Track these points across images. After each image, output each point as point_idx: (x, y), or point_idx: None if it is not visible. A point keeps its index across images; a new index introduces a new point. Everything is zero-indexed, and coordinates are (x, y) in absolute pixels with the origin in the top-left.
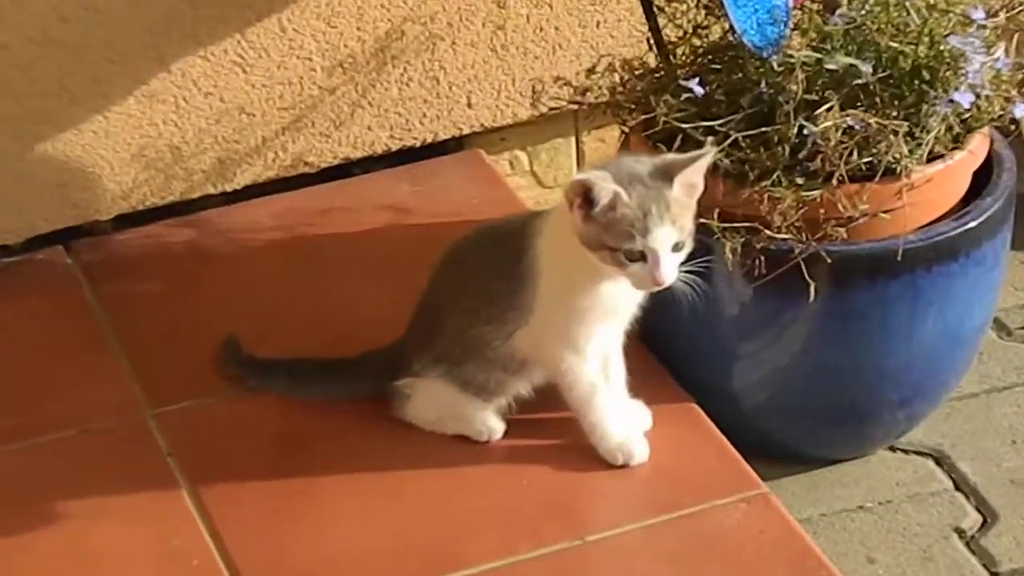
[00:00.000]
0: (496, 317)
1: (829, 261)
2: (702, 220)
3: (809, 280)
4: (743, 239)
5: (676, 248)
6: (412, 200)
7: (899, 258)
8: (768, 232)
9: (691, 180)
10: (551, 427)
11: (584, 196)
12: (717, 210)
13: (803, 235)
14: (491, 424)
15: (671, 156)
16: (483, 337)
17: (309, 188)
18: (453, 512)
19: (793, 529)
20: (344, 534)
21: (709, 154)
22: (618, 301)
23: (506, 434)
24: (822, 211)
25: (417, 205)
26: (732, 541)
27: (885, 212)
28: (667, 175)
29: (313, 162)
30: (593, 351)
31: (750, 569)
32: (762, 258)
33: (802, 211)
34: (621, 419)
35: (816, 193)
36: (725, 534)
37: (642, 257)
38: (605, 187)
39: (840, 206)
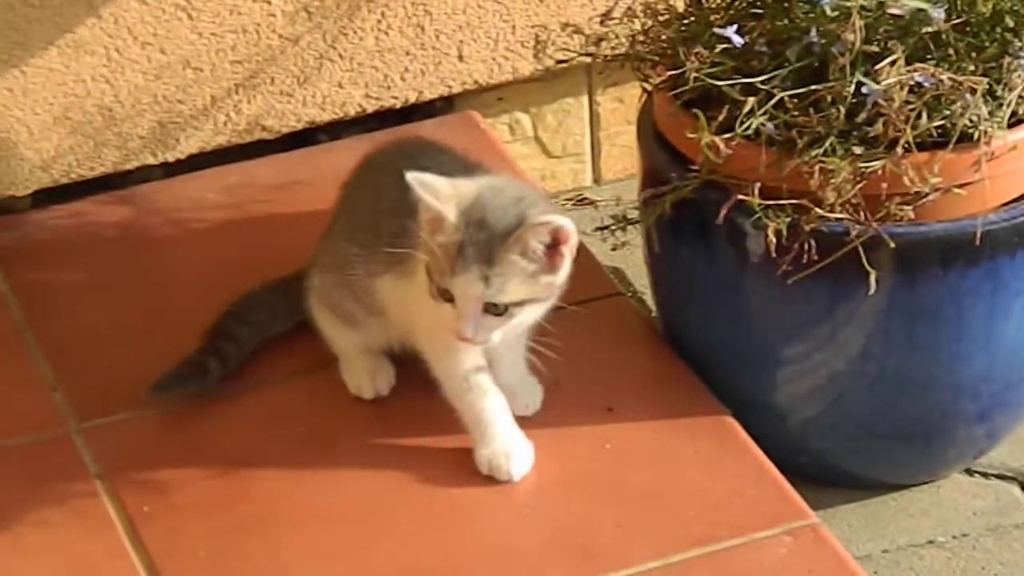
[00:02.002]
0: (368, 247)
1: (893, 246)
2: (741, 197)
3: (868, 269)
4: (789, 219)
5: (492, 311)
6: None
7: (977, 242)
8: (819, 211)
9: (535, 249)
10: (553, 446)
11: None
12: (758, 184)
13: (861, 214)
14: (365, 383)
15: (536, 211)
16: (348, 258)
17: (267, 158)
18: (440, 550)
19: (849, 568)
20: None
21: (563, 227)
22: None
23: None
24: (884, 185)
25: None
26: None
27: (960, 187)
28: (511, 231)
29: (272, 126)
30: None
31: None
32: (812, 242)
33: (860, 185)
34: (501, 423)
35: (877, 164)
36: (764, 573)
37: (452, 299)
38: (434, 205)
39: (906, 179)
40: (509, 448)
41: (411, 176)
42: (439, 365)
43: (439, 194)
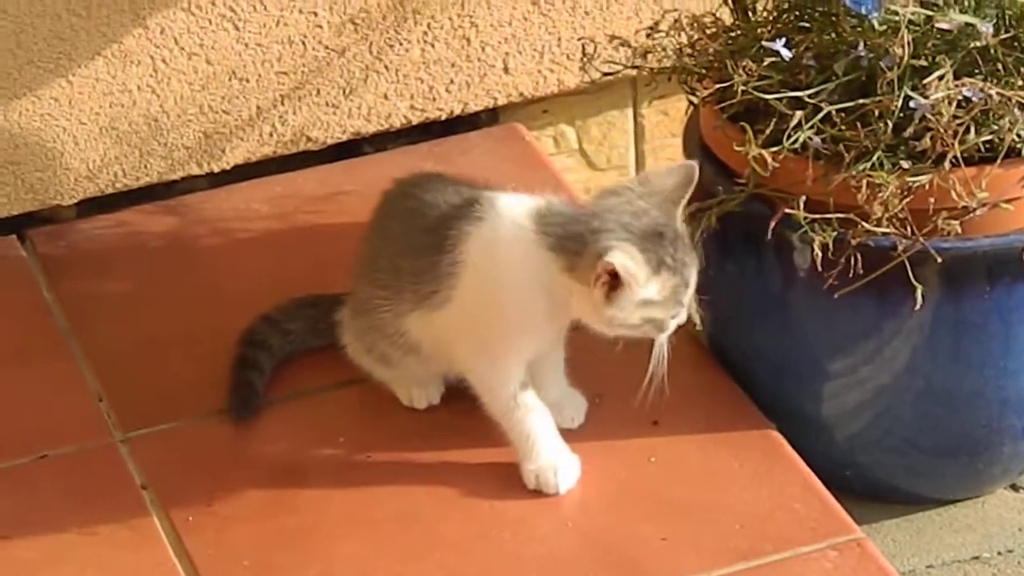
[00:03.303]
0: (390, 288)
1: (939, 260)
2: (788, 211)
3: (915, 283)
4: (836, 233)
5: None
6: None
7: None
8: (866, 225)
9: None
10: (598, 460)
11: (613, 278)
12: (804, 198)
13: (908, 229)
14: (416, 392)
15: (656, 181)
16: (374, 302)
17: (311, 169)
18: (483, 562)
19: None
20: None
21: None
22: (559, 326)
23: None
24: (932, 200)
25: None
26: None
27: (1008, 201)
28: (668, 211)
29: (317, 137)
30: (516, 365)
31: None
32: (858, 256)
33: (907, 200)
34: (548, 438)
35: (924, 178)
36: None
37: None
38: (647, 284)
39: (954, 194)
40: (556, 462)
41: (617, 259)
42: (484, 386)
43: (640, 264)
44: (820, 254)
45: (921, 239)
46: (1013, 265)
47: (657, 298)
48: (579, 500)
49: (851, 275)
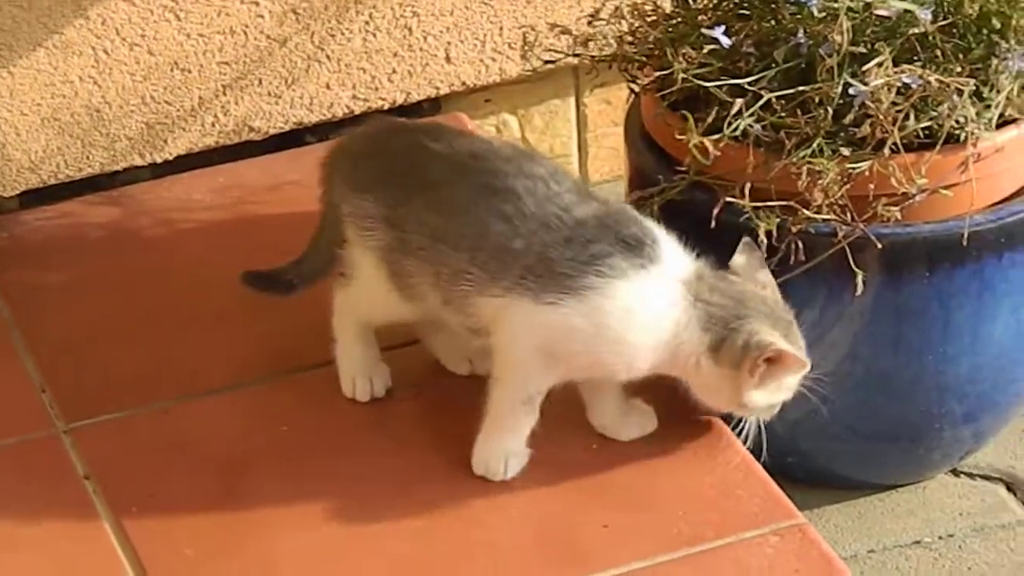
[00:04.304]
0: (490, 271)
1: (880, 246)
2: (730, 198)
3: (856, 269)
4: (778, 220)
5: None
6: None
7: (964, 243)
8: (807, 212)
9: None
10: (541, 445)
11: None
12: (747, 185)
13: (849, 215)
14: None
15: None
16: (455, 271)
17: (254, 159)
18: (427, 550)
19: (835, 568)
20: None
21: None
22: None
23: None
24: (871, 186)
25: None
26: None
27: (947, 188)
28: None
29: (260, 127)
30: (562, 378)
31: None
32: (799, 243)
33: (847, 186)
34: (521, 436)
35: (864, 165)
36: (753, 574)
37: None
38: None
39: (893, 180)
40: (509, 453)
41: (785, 347)
42: (512, 375)
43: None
44: (765, 241)
45: (861, 225)
46: (953, 251)
47: (795, 381)
48: (523, 488)
49: (792, 262)
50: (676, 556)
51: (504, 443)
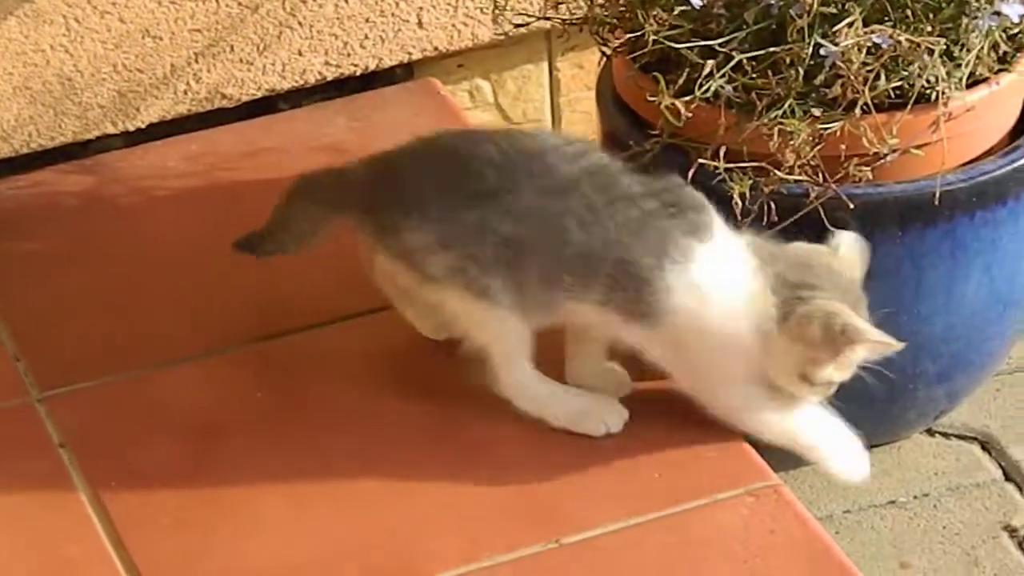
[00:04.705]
0: (580, 280)
1: (852, 206)
2: (702, 160)
3: (828, 229)
4: (750, 181)
5: None
6: (351, 139)
7: (936, 202)
8: (779, 173)
9: None
10: (505, 407)
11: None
12: (720, 147)
13: (821, 176)
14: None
15: (849, 255)
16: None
17: (228, 126)
18: (404, 514)
19: (810, 528)
20: (271, 543)
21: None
22: None
23: (464, 420)
24: (843, 147)
25: (358, 145)
26: (737, 542)
27: (918, 147)
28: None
29: (232, 95)
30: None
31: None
32: (772, 204)
33: (819, 147)
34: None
35: (836, 125)
36: (728, 534)
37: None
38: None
39: (865, 140)
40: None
41: (863, 328)
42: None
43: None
44: (738, 202)
45: (833, 186)
46: (924, 210)
47: (857, 357)
48: (498, 451)
49: (765, 223)
50: (651, 517)
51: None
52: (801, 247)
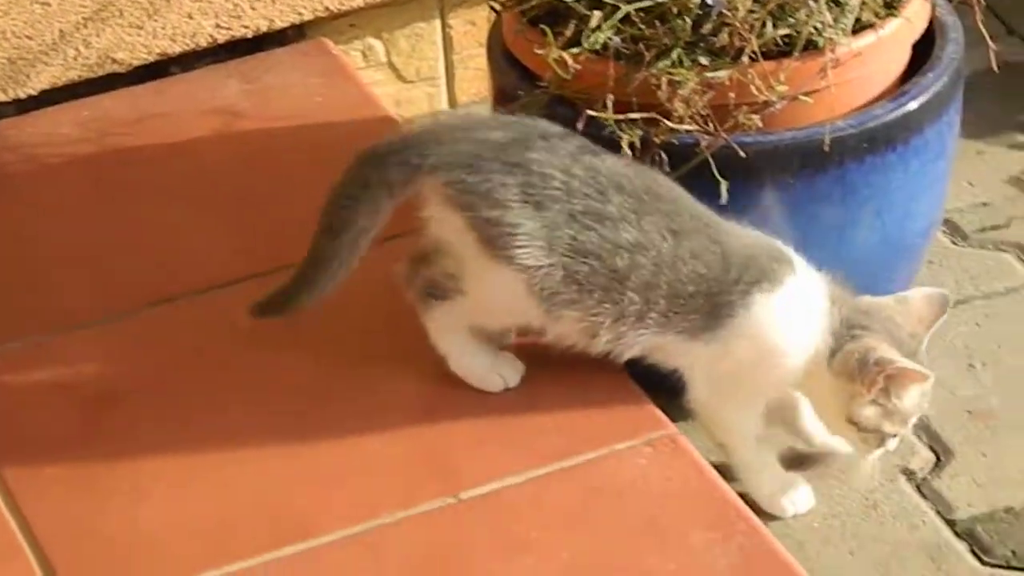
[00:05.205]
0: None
1: (743, 155)
2: (590, 112)
3: (720, 178)
4: (640, 132)
5: None
6: (244, 102)
7: (826, 148)
8: (669, 123)
9: None
10: (416, 366)
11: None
12: (609, 99)
13: (711, 125)
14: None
15: (914, 305)
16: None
17: (119, 91)
18: (301, 474)
19: (707, 475)
20: (168, 504)
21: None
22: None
23: (361, 380)
24: (732, 95)
25: (250, 108)
26: (635, 492)
27: (807, 94)
28: (917, 335)
29: (123, 59)
30: None
31: (656, 523)
32: (663, 154)
33: (708, 96)
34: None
35: (724, 74)
36: (626, 484)
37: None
38: (915, 387)
39: (753, 88)
40: (782, 486)
41: (909, 366)
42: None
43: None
44: (629, 153)
45: (724, 135)
46: (815, 157)
47: (906, 407)
48: (396, 408)
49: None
50: (550, 470)
51: (772, 485)
52: (872, 299)
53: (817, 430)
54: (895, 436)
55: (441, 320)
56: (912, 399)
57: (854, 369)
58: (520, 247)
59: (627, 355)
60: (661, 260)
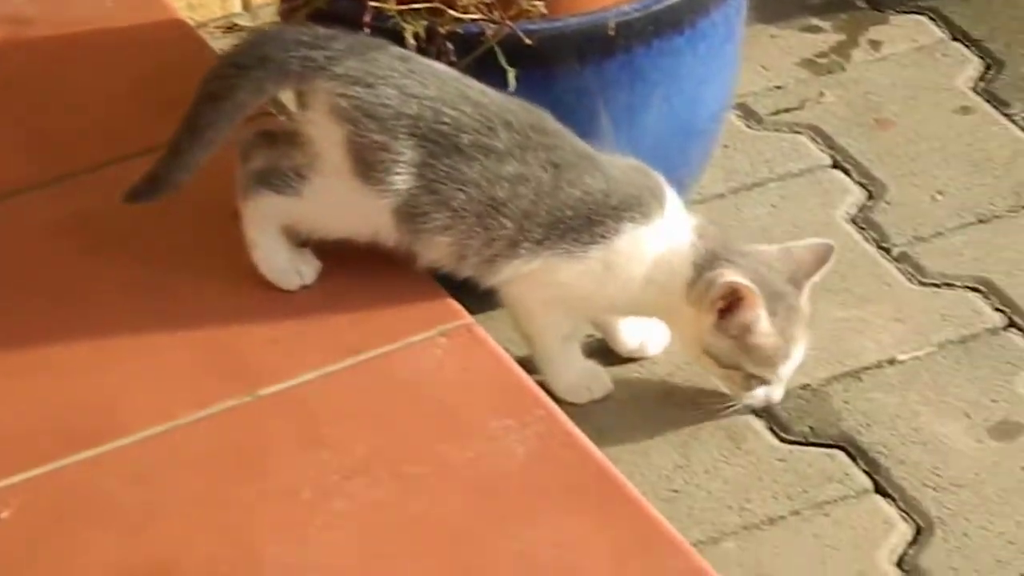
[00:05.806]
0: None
1: (529, 42)
2: (375, 4)
3: (507, 67)
4: (425, 23)
5: None
6: (30, 8)
7: (612, 33)
8: (453, 12)
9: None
10: (205, 266)
11: (730, 303)
12: None
13: (495, 13)
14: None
15: (796, 254)
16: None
17: None
18: (98, 379)
19: (504, 364)
20: None
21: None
22: None
23: (156, 283)
24: None
25: (38, 14)
26: (431, 383)
27: None
28: (797, 283)
29: None
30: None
31: (453, 413)
32: (449, 44)
33: None
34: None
35: None
36: (422, 376)
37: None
38: (761, 313)
39: None
40: (583, 375)
41: (737, 279)
42: (540, 332)
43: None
44: (414, 44)
45: (508, 23)
46: (602, 42)
47: (760, 342)
48: (189, 311)
49: (446, 63)
50: (345, 364)
51: (569, 375)
52: (755, 246)
53: (630, 338)
54: (767, 382)
55: (265, 211)
56: (764, 333)
57: (702, 293)
58: (397, 174)
59: (491, 281)
60: (541, 190)
